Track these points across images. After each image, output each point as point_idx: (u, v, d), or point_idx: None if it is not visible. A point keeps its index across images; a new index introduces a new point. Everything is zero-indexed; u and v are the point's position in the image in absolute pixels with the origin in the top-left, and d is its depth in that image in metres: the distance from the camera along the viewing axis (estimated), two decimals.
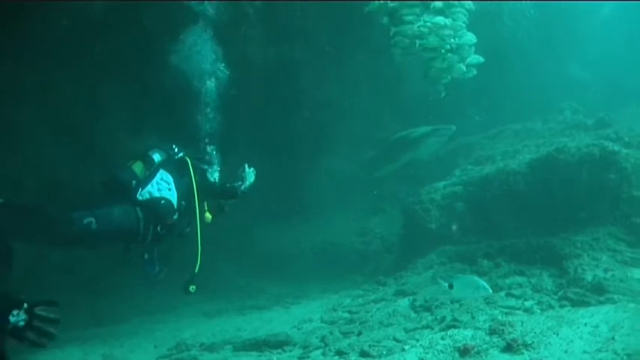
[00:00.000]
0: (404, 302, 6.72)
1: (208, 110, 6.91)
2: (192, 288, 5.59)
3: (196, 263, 5.63)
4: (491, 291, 4.97)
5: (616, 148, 7.45)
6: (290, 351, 5.98)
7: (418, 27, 6.85)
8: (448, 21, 6.92)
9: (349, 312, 6.83)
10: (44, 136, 8.74)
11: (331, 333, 5.94)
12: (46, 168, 8.78)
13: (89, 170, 9.05)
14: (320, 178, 11.99)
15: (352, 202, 12.37)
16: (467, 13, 7.17)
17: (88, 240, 5.02)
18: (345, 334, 5.86)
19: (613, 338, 4.60)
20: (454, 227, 8.41)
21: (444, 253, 8.00)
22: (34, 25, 8.13)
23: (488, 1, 7.92)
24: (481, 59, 7.58)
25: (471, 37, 7.20)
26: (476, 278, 5.08)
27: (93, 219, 4.91)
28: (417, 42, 6.98)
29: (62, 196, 8.61)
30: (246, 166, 6.43)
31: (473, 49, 7.32)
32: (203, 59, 7.25)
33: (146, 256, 5.61)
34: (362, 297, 7.49)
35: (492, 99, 13.63)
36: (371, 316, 6.44)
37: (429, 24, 6.83)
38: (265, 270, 10.58)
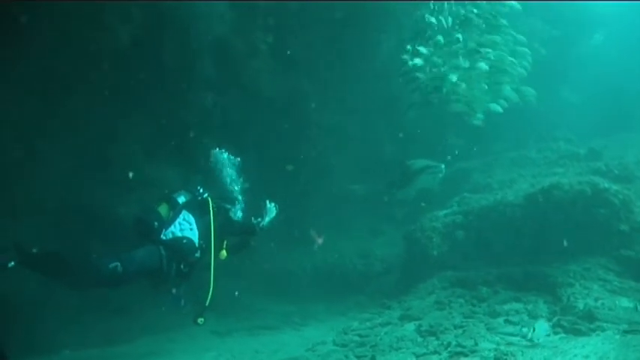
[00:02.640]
0: (410, 326, 7.13)
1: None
2: (200, 320, 5.87)
3: (207, 297, 5.95)
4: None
5: (606, 185, 7.99)
6: None
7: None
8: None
9: (359, 335, 7.21)
10: (66, 160, 9.09)
11: (346, 357, 6.35)
12: (66, 191, 9.12)
13: (108, 194, 9.51)
14: (322, 200, 12.38)
15: (353, 223, 12.75)
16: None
17: (114, 282, 5.41)
18: (360, 358, 6.27)
19: None
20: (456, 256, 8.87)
21: (445, 279, 8.45)
22: (58, 55, 8.52)
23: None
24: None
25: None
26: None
27: (118, 262, 5.32)
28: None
29: (82, 220, 8.99)
30: (268, 202, 6.84)
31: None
32: None
33: (174, 292, 5.98)
34: (369, 320, 7.87)
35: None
36: (380, 339, 6.82)
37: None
38: (268, 289, 10.88)
